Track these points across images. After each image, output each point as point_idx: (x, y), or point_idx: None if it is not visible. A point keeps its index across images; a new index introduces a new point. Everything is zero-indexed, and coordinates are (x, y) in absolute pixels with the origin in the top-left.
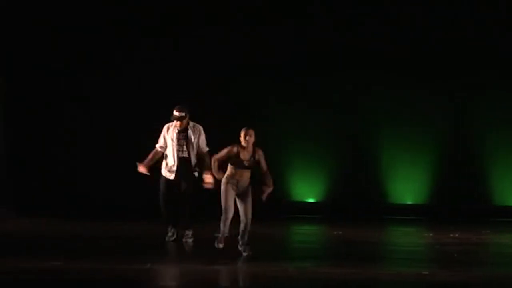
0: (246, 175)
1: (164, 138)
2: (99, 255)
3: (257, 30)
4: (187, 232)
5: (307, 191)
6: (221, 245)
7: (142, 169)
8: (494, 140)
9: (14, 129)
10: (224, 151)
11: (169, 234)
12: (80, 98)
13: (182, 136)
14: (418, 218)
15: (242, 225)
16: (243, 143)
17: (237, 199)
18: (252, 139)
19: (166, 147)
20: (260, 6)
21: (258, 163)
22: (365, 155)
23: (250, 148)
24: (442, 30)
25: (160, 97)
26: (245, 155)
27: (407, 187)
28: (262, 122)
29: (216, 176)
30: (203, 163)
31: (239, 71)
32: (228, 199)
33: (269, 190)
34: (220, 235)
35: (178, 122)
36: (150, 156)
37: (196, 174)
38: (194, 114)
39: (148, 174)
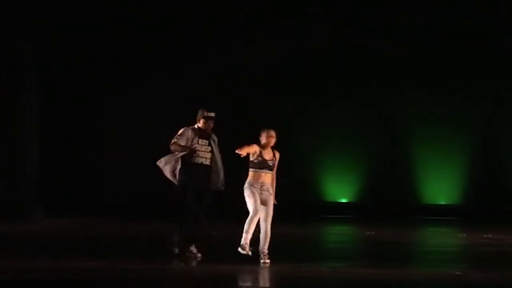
0: (269, 177)
1: (187, 139)
2: (130, 255)
3: (302, 33)
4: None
5: (340, 192)
6: (249, 250)
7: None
8: None
9: (46, 131)
10: (246, 146)
11: (177, 249)
12: (108, 104)
13: (206, 143)
14: (451, 218)
15: (262, 233)
16: (264, 142)
17: (261, 202)
18: (274, 140)
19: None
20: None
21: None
22: (398, 156)
23: (270, 149)
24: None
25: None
26: (268, 155)
27: (440, 188)
28: (297, 124)
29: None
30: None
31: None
32: (257, 201)
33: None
34: (244, 241)
35: (211, 124)
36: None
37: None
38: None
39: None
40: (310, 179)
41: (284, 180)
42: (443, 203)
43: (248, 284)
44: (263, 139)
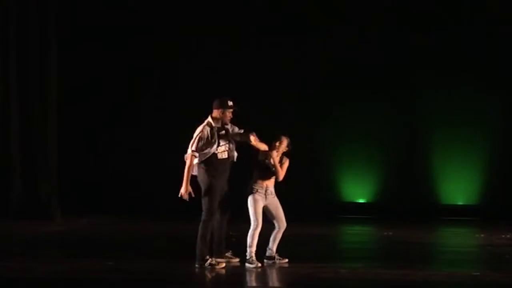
0: (272, 180)
1: (208, 140)
2: (150, 256)
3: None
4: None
5: (358, 192)
6: (258, 264)
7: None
8: None
9: (64, 130)
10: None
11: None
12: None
13: (224, 133)
14: (470, 219)
15: (279, 233)
16: (282, 150)
17: (269, 207)
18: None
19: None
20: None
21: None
22: (416, 156)
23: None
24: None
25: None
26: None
27: (458, 188)
28: (315, 124)
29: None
30: None
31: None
32: (260, 211)
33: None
34: (251, 255)
35: (230, 115)
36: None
37: None
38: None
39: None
40: (328, 179)
41: (302, 181)
42: (461, 203)
43: (268, 284)
44: (278, 145)
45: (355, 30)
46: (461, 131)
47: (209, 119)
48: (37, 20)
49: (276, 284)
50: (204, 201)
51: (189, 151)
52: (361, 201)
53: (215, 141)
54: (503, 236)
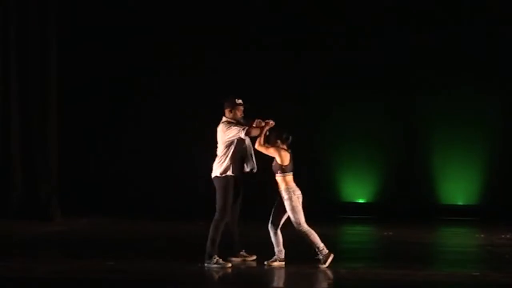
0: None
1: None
2: (150, 256)
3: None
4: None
5: (358, 192)
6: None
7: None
8: None
9: (64, 130)
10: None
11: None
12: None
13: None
14: (469, 219)
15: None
16: (285, 146)
17: (279, 209)
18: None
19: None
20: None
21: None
22: (416, 156)
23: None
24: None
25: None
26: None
27: (458, 188)
28: (315, 124)
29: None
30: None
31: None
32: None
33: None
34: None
35: (242, 113)
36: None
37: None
38: None
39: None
40: (328, 179)
41: (302, 181)
42: (461, 203)
43: (266, 283)
44: (284, 142)
45: (355, 30)
46: (461, 131)
47: (224, 119)
48: (37, 20)
49: (276, 284)
50: (219, 199)
51: (242, 134)
52: (361, 201)
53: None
54: (503, 236)
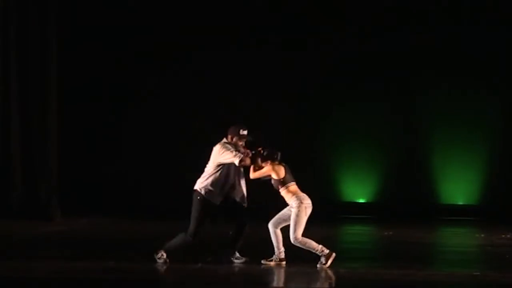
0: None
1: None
2: (150, 256)
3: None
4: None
5: (358, 192)
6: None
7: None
8: None
9: (64, 130)
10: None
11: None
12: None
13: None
14: (469, 218)
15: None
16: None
17: (285, 214)
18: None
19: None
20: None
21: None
22: (416, 156)
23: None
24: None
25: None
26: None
27: (458, 188)
28: (315, 124)
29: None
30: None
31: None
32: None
33: None
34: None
35: (243, 143)
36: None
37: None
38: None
39: None
40: (328, 179)
41: (302, 181)
42: (461, 203)
43: (265, 283)
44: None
45: (355, 30)
46: (461, 131)
47: (224, 140)
48: (37, 20)
49: (275, 284)
50: (192, 214)
51: (236, 161)
52: (361, 201)
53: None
54: (503, 236)
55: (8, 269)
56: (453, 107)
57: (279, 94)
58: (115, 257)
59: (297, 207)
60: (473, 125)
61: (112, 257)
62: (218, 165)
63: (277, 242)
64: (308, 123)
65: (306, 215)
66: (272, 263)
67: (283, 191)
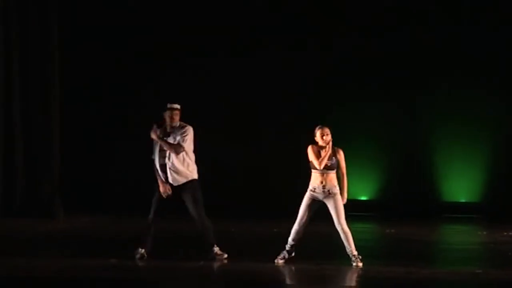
0: (331, 177)
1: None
2: (152, 254)
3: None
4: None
5: (360, 189)
6: (281, 261)
7: None
8: None
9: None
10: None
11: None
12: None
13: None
14: (472, 216)
15: (342, 235)
16: (321, 142)
17: (327, 205)
18: (329, 137)
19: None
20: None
21: (338, 163)
22: (418, 153)
23: (329, 148)
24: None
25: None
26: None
27: (461, 185)
28: (314, 121)
29: None
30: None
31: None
32: (306, 208)
33: (344, 194)
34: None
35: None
36: None
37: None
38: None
39: None
40: None
41: (304, 178)
42: (463, 201)
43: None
44: (319, 139)
45: (355, 30)
46: (463, 129)
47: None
48: (38, 21)
49: (280, 281)
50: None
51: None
52: (363, 198)
53: None
54: (506, 233)
55: (10, 267)
56: (455, 106)
57: (279, 94)
58: (116, 256)
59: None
60: (475, 123)
61: (114, 255)
62: None
63: (348, 240)
64: (308, 122)
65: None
66: (281, 262)
67: (334, 174)
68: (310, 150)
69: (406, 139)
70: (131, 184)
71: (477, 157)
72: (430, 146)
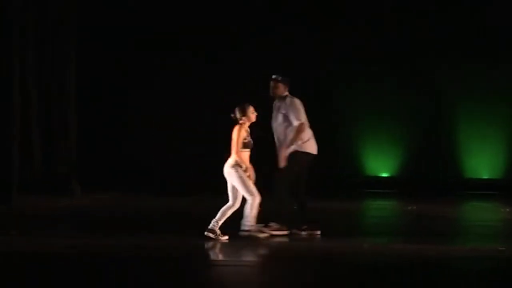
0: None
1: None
2: (170, 231)
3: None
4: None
5: (381, 166)
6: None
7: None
8: None
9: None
10: (240, 136)
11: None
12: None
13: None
14: (494, 193)
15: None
16: (253, 119)
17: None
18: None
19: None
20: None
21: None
22: (440, 130)
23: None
24: None
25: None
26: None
27: (483, 162)
28: (338, 96)
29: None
30: None
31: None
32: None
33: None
34: (251, 225)
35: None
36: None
37: None
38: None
39: None
40: (350, 153)
41: (324, 154)
42: (485, 177)
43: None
44: (252, 116)
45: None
46: (485, 106)
47: None
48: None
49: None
50: None
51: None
52: (384, 175)
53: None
54: None
55: (27, 243)
56: (476, 81)
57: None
58: (135, 233)
59: None
60: (496, 99)
61: (133, 232)
62: None
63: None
64: (330, 97)
65: None
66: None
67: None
68: (239, 133)
69: (428, 115)
70: (150, 161)
71: (499, 133)
72: (452, 122)
